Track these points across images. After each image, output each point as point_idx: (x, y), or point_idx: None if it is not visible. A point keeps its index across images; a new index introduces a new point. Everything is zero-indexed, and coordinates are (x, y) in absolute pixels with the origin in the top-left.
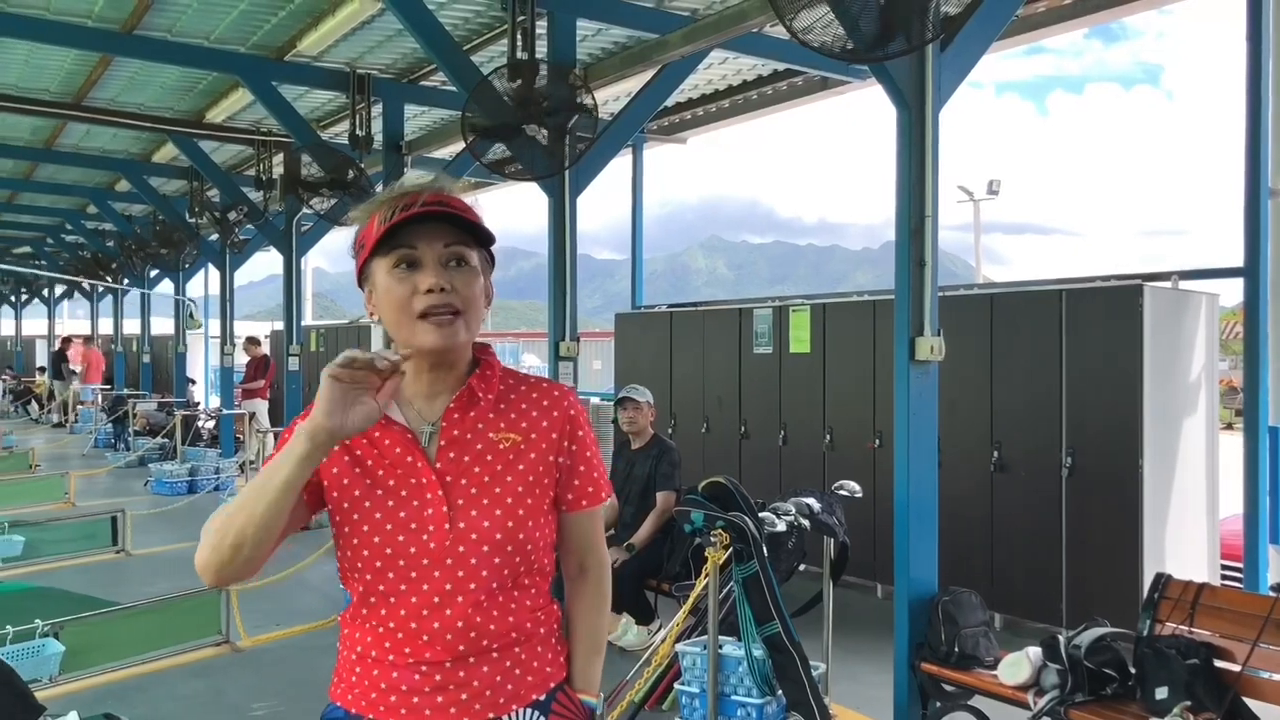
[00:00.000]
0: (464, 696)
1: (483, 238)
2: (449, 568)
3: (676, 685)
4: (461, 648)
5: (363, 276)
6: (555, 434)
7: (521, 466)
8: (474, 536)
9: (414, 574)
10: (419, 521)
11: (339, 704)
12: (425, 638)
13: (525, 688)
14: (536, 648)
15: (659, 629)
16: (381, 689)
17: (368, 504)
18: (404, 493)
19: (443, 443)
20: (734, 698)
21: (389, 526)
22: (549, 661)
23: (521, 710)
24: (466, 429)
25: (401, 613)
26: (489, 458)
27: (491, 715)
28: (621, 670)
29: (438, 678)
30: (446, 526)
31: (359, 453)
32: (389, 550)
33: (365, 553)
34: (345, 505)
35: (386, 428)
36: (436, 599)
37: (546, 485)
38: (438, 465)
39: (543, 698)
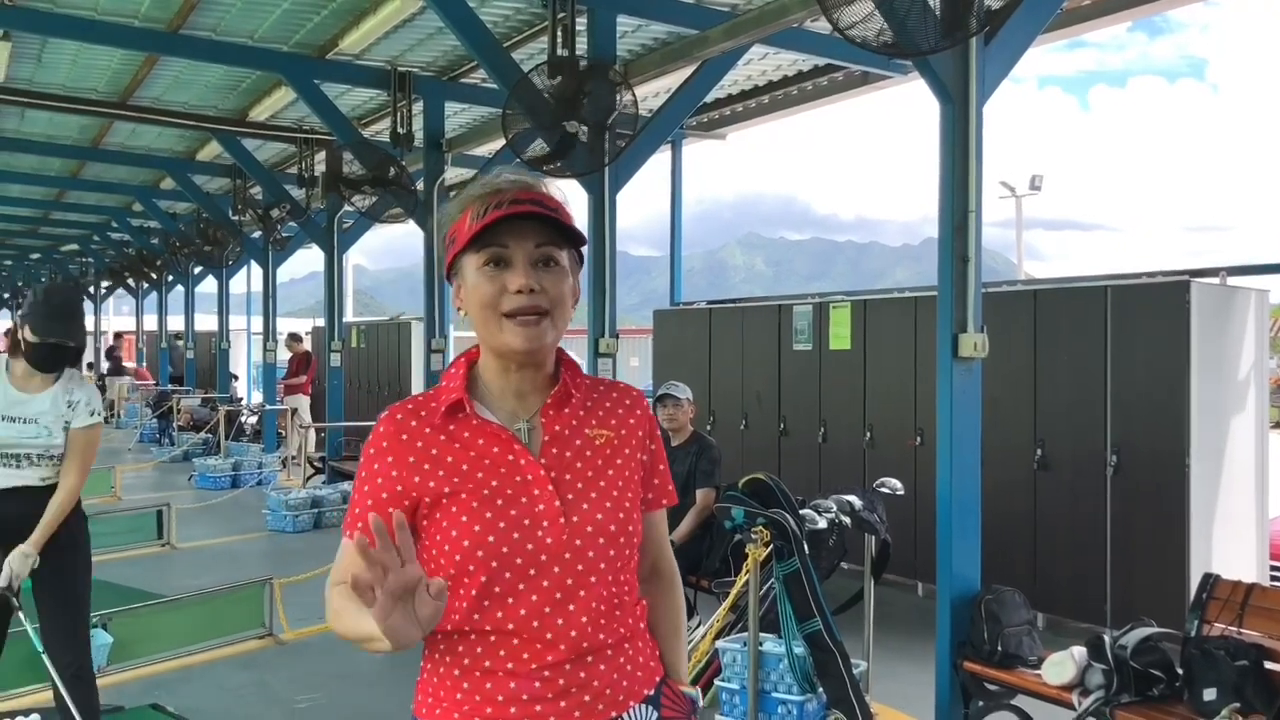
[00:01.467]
0: (587, 698)
1: (574, 237)
2: (568, 562)
3: (717, 682)
4: (585, 644)
5: (452, 271)
6: (641, 433)
7: (619, 461)
8: (589, 529)
9: (533, 571)
10: (533, 518)
11: None
12: (549, 636)
13: (638, 683)
14: (639, 643)
15: (699, 626)
16: (498, 701)
17: (475, 504)
18: (510, 490)
19: (546, 438)
20: (774, 695)
21: (502, 525)
22: (650, 656)
23: (638, 706)
24: (565, 424)
25: (522, 612)
26: (588, 453)
27: (613, 714)
28: None
29: (561, 682)
30: (561, 520)
31: (450, 459)
32: (505, 549)
33: (479, 554)
34: (452, 510)
35: (479, 428)
36: (558, 594)
37: (638, 482)
38: (542, 460)
39: (652, 692)
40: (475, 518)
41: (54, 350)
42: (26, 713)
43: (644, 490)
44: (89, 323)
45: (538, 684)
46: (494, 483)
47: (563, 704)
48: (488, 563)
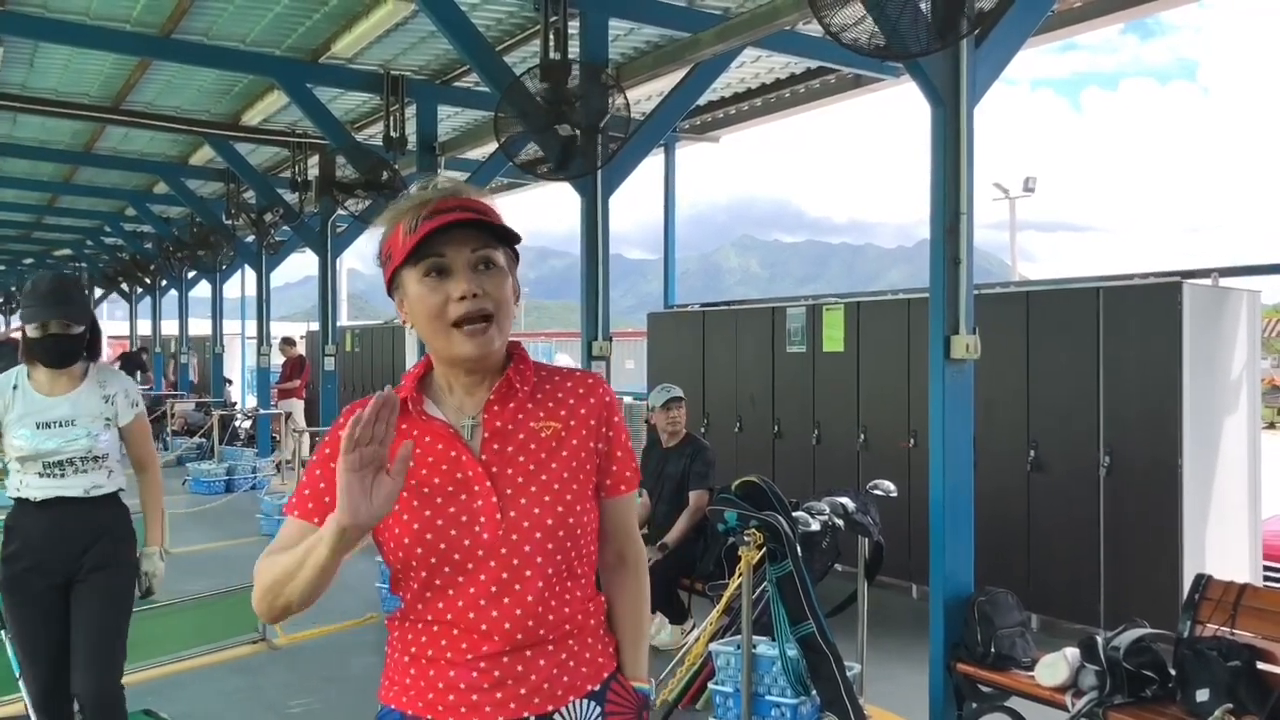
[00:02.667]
0: (522, 691)
1: (507, 238)
2: (504, 557)
3: (710, 685)
4: (520, 637)
5: (392, 285)
6: (593, 420)
7: (565, 453)
8: (526, 524)
9: (470, 565)
10: (469, 514)
11: (392, 706)
12: (484, 627)
13: (580, 679)
14: (587, 639)
15: (692, 628)
16: (439, 688)
17: (415, 503)
18: (450, 488)
19: (486, 434)
20: (768, 697)
21: (440, 522)
22: (600, 652)
23: (578, 701)
24: (508, 420)
25: (459, 603)
26: (532, 446)
27: (550, 708)
28: (655, 670)
29: (496, 673)
30: (498, 517)
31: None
32: (443, 545)
33: (419, 550)
34: (396, 507)
35: (426, 424)
36: (494, 588)
37: (589, 471)
38: (483, 457)
39: (597, 688)
40: (415, 516)
41: (58, 341)
42: None
43: (601, 477)
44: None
45: (474, 674)
46: (436, 480)
47: (498, 695)
48: (427, 559)
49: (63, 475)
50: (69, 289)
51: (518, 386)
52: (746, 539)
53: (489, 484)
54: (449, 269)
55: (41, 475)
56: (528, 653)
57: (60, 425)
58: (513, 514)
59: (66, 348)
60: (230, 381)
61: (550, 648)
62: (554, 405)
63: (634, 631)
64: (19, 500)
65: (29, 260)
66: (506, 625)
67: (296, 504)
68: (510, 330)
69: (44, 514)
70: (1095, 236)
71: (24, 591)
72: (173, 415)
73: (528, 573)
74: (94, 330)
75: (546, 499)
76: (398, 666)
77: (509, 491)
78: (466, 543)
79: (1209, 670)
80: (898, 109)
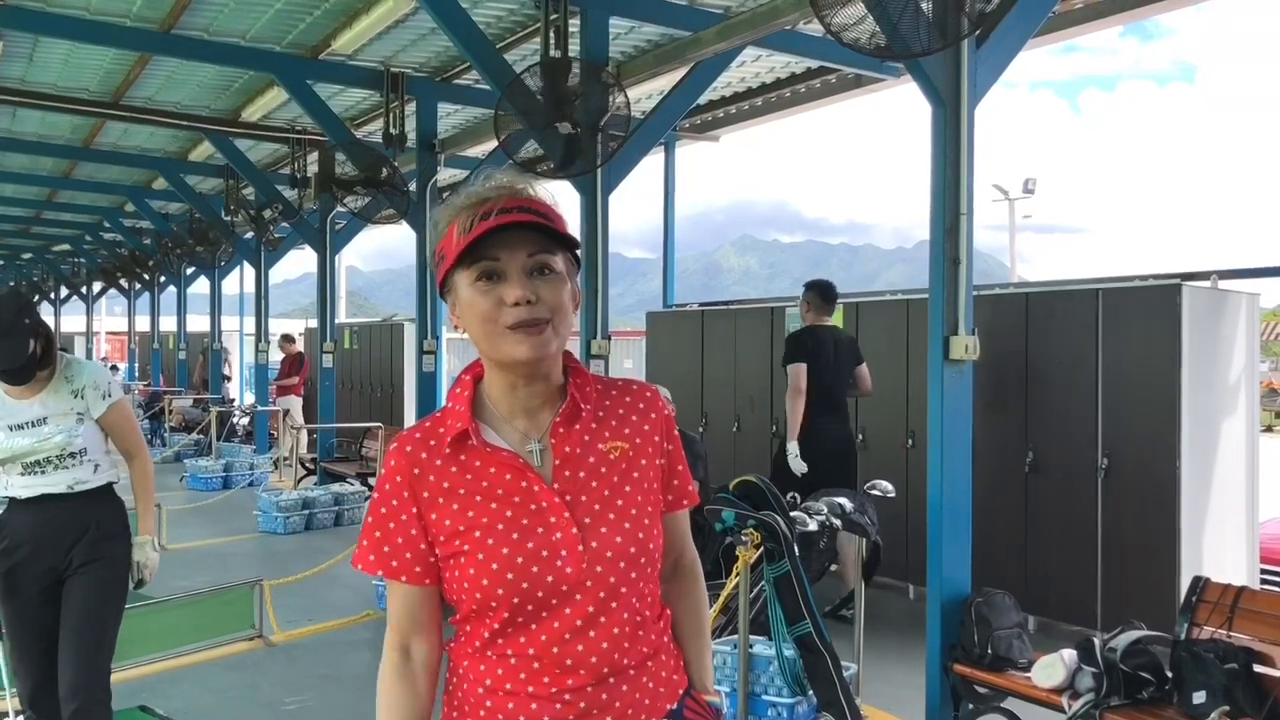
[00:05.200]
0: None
1: (567, 241)
2: (590, 590)
3: None
4: (606, 669)
5: (444, 288)
6: (657, 436)
7: (635, 474)
8: (609, 555)
9: (555, 601)
10: (550, 548)
11: None
12: (569, 662)
13: (660, 700)
14: (661, 657)
15: None
16: None
17: (490, 541)
18: (525, 520)
19: (557, 461)
20: (765, 697)
21: (520, 560)
22: (674, 669)
23: None
24: (576, 444)
25: (543, 638)
26: (603, 470)
27: None
28: None
29: (582, 705)
30: (580, 549)
31: (462, 491)
32: (525, 584)
33: (500, 591)
34: (465, 548)
35: (490, 456)
36: (579, 622)
37: (658, 490)
38: (555, 486)
39: (675, 706)
40: (492, 555)
41: (6, 375)
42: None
43: (664, 493)
44: (80, 323)
45: (558, 706)
46: (509, 514)
47: None
48: (509, 599)
49: (44, 473)
50: (1, 321)
51: (583, 406)
52: (744, 539)
53: (567, 515)
54: (503, 273)
55: (23, 474)
56: (612, 681)
57: (32, 425)
58: (594, 544)
59: (19, 375)
60: (229, 378)
61: (632, 674)
62: (618, 424)
63: (699, 641)
64: (8, 500)
65: (27, 255)
66: (593, 659)
67: (378, 562)
68: (568, 337)
69: (31, 511)
70: (1091, 239)
71: (14, 587)
72: (170, 411)
73: (614, 604)
74: (46, 339)
75: (627, 525)
76: (470, 699)
77: (587, 521)
78: (550, 579)
79: (1206, 672)
80: (892, 110)
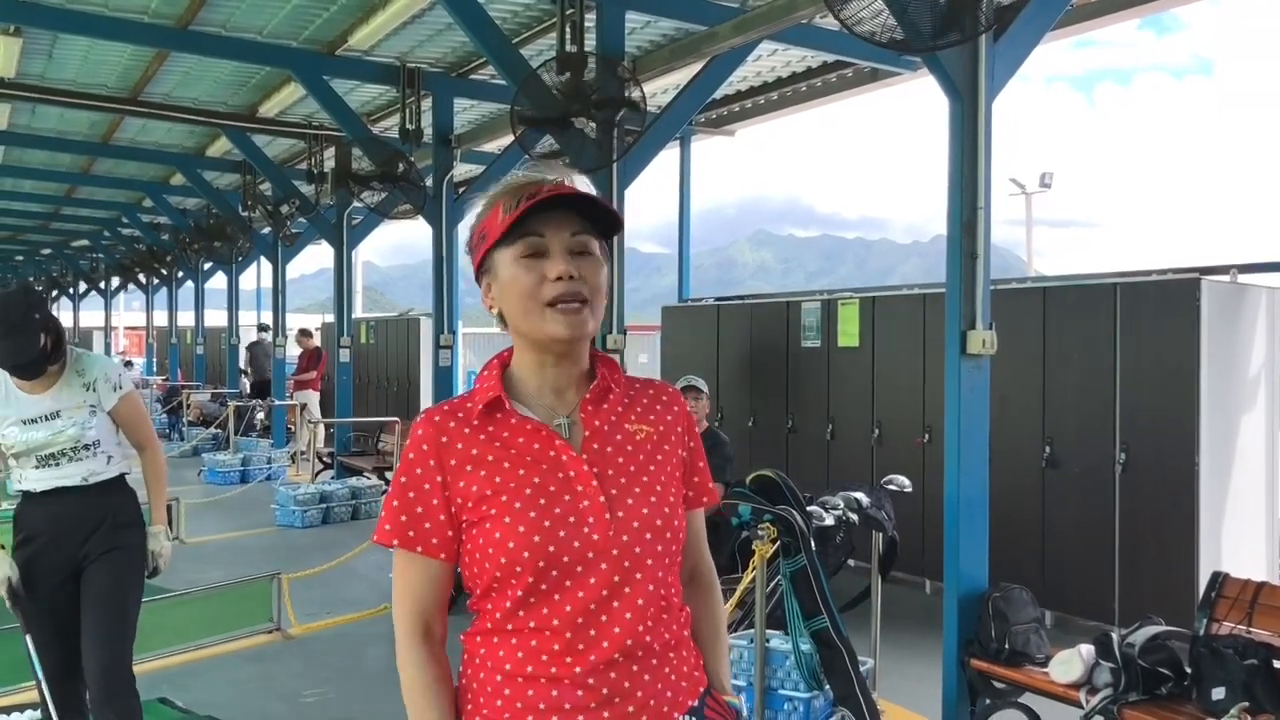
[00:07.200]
0: (630, 709)
1: (607, 228)
2: (615, 559)
3: None
4: (630, 642)
5: (482, 269)
6: (680, 429)
7: (660, 457)
8: (636, 525)
9: (580, 568)
10: (578, 514)
11: None
12: (593, 633)
13: (682, 694)
14: (683, 651)
15: None
16: (540, 709)
17: (518, 505)
18: (553, 487)
19: (586, 433)
20: (781, 692)
21: (547, 523)
22: (695, 666)
23: (681, 718)
24: (604, 420)
25: (568, 609)
26: (629, 448)
27: None
28: None
29: (605, 690)
30: (607, 516)
31: (490, 458)
32: (551, 547)
33: (525, 554)
34: (492, 512)
35: (519, 425)
36: (605, 591)
37: (679, 479)
38: (584, 456)
39: (696, 703)
40: (519, 518)
41: (18, 370)
42: (23, 709)
43: (685, 488)
44: (99, 318)
45: (580, 692)
46: (536, 480)
47: (605, 714)
48: (534, 562)
49: (58, 465)
50: (11, 317)
51: (613, 387)
52: (761, 533)
53: (595, 483)
54: (546, 250)
55: (38, 467)
56: (634, 668)
57: (46, 419)
58: (620, 514)
59: (30, 369)
60: (246, 372)
61: (655, 660)
62: (643, 409)
63: (717, 645)
64: (23, 493)
65: (47, 250)
66: (617, 630)
67: (394, 532)
68: (601, 321)
69: (46, 504)
70: (1106, 232)
71: (33, 579)
72: (188, 405)
73: (639, 575)
74: (56, 333)
75: (653, 499)
76: (487, 688)
77: (614, 492)
78: (576, 544)
79: (1225, 668)
80: (904, 105)
